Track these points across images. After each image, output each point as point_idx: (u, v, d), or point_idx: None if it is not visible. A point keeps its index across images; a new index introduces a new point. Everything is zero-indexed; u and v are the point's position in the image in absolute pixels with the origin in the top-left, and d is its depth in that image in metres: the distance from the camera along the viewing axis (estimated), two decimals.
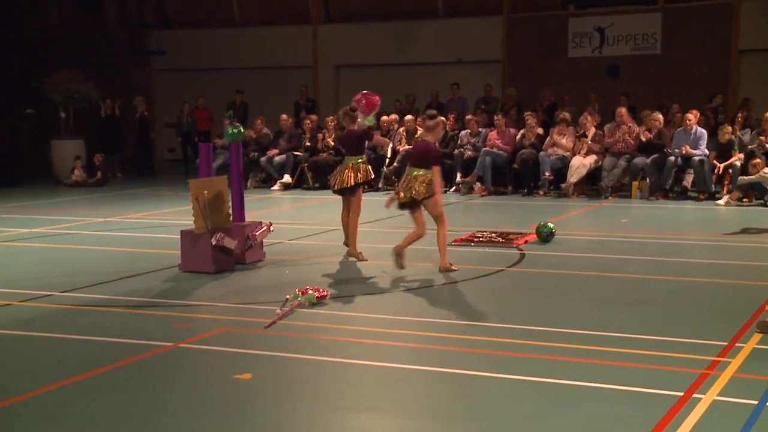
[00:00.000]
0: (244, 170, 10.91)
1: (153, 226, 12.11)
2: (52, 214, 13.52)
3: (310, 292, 7.26)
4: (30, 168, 19.41)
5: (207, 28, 23.76)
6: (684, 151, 14.23)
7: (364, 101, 9.23)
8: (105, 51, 23.76)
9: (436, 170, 8.43)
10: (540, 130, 15.96)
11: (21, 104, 21.08)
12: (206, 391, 5.19)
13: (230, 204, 9.07)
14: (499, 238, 10.26)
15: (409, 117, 16.78)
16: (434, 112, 9.21)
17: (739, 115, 15.76)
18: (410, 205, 8.53)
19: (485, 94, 19.50)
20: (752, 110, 16.69)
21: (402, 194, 8.50)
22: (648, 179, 14.62)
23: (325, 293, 7.37)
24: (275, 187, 16.84)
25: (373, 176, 9.65)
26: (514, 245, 9.97)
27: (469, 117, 16.61)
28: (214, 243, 8.49)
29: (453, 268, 8.52)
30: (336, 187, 9.43)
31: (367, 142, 9.85)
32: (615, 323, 6.56)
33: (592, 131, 15.20)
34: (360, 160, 9.40)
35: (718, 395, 4.93)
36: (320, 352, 5.95)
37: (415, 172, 8.48)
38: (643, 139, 14.68)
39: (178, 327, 6.61)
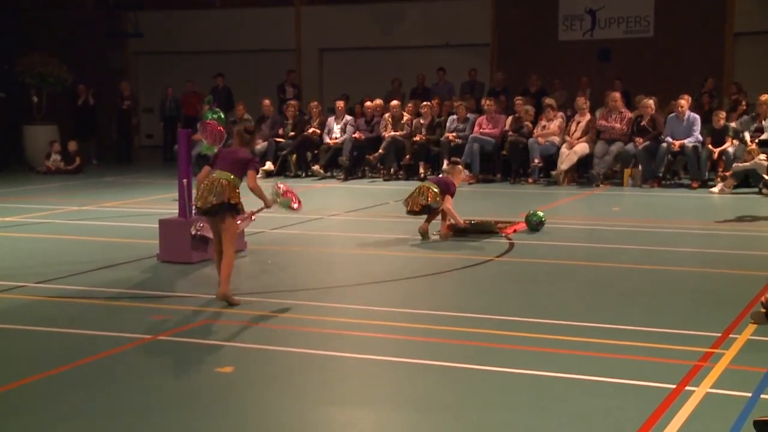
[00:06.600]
0: None
1: (131, 214, 11.96)
2: (25, 203, 13.27)
3: (289, 197, 7.32)
4: (1, 155, 19.02)
5: (186, 9, 23.16)
6: (674, 147, 14.07)
7: (209, 130, 8.40)
8: (79, 32, 22.99)
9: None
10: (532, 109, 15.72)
11: None
12: (186, 385, 5.12)
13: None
14: None
15: (395, 102, 16.53)
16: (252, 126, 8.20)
17: (743, 103, 15.42)
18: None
19: (470, 79, 19.20)
20: (748, 95, 16.38)
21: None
22: (640, 166, 14.46)
23: (299, 207, 7.49)
24: (258, 175, 16.54)
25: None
26: (503, 234, 9.85)
27: (457, 103, 16.35)
28: (193, 233, 8.41)
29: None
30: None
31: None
32: (606, 314, 6.47)
33: (587, 117, 14.97)
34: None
35: (711, 388, 4.87)
36: (303, 344, 5.85)
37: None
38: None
39: (157, 319, 6.51)
